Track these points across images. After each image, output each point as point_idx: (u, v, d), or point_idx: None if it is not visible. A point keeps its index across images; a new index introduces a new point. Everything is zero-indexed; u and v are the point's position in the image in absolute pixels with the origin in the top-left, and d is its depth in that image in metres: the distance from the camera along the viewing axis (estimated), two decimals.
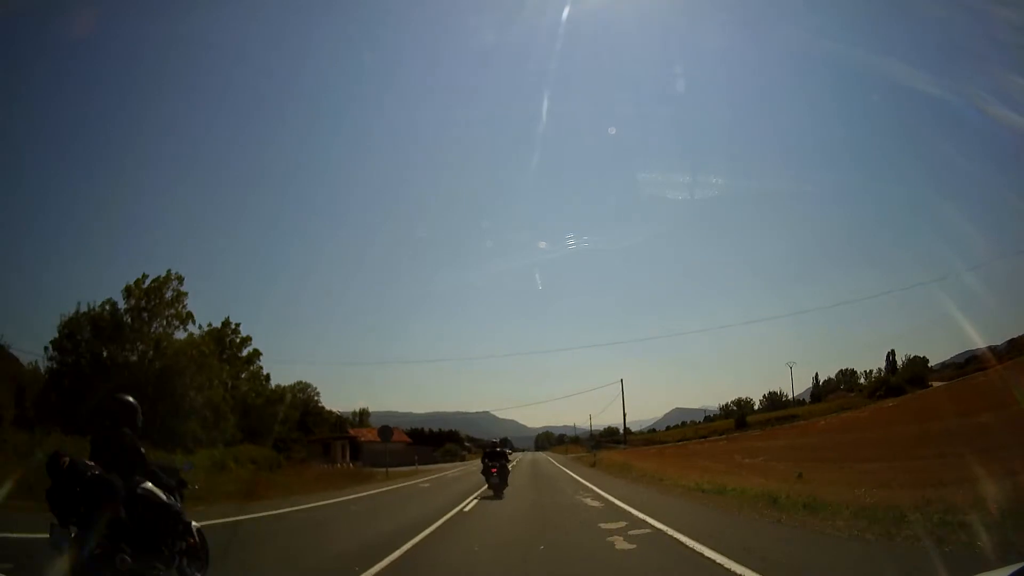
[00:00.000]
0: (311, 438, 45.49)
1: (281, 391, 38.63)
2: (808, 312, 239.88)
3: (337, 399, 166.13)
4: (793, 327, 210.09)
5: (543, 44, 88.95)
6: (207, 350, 29.20)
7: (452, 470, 42.53)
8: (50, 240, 55.80)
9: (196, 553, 5.52)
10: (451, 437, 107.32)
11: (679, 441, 72.61)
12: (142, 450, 5.11)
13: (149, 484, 5.01)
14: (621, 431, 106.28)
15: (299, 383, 67.89)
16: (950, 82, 38.27)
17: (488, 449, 18.82)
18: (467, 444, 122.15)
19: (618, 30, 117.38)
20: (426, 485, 25.15)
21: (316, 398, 69.87)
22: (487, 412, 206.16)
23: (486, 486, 17.70)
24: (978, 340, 54.90)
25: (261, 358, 36.67)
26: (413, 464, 44.85)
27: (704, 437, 70.86)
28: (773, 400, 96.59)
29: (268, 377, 37.75)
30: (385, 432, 36.61)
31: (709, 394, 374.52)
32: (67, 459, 4.45)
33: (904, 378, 64.92)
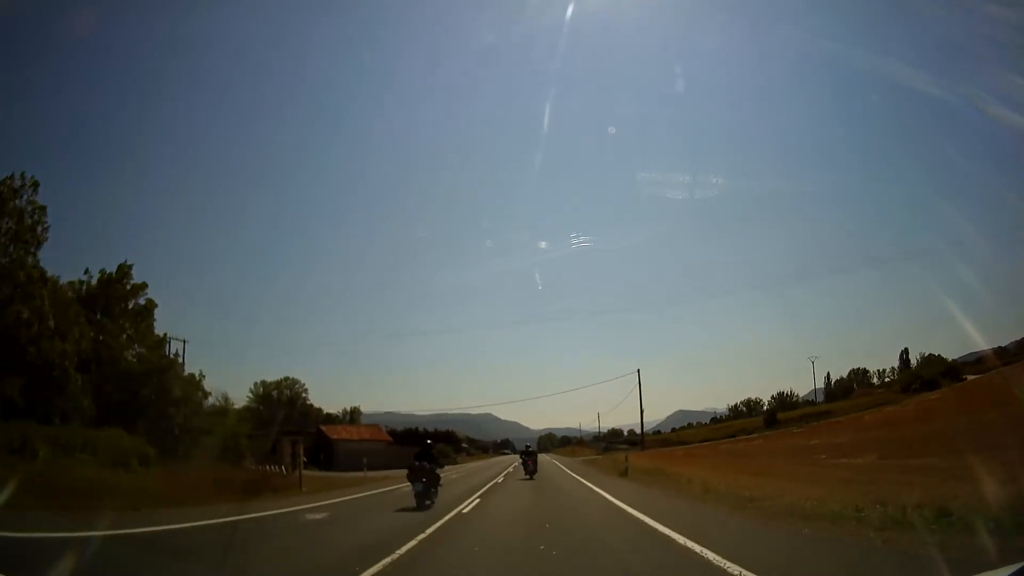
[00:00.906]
0: (258, 432, 36.19)
1: (175, 359, 28.57)
2: (790, 288, 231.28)
3: (338, 399, 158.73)
4: (794, 329, 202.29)
5: (543, 44, 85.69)
6: (37, 275, 20.15)
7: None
8: (50, 242, 51.14)
9: (438, 489, 15.54)
10: (446, 438, 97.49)
11: (702, 441, 64.32)
12: (436, 457, 16.80)
13: (436, 466, 15.89)
14: (627, 432, 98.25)
15: (286, 379, 59.88)
16: (950, 82, 36.25)
17: (523, 448, 34.83)
18: (464, 445, 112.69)
19: (618, 30, 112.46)
20: (322, 516, 13.89)
21: (304, 394, 61.70)
22: (489, 413, 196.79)
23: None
24: (981, 342, 57.93)
25: (156, 310, 27.32)
26: (369, 469, 32.31)
27: (732, 436, 62.83)
28: (783, 400, 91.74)
29: (165, 339, 28.37)
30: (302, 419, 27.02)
31: (711, 396, 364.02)
32: (417, 463, 15.29)
33: (937, 372, 61.41)
